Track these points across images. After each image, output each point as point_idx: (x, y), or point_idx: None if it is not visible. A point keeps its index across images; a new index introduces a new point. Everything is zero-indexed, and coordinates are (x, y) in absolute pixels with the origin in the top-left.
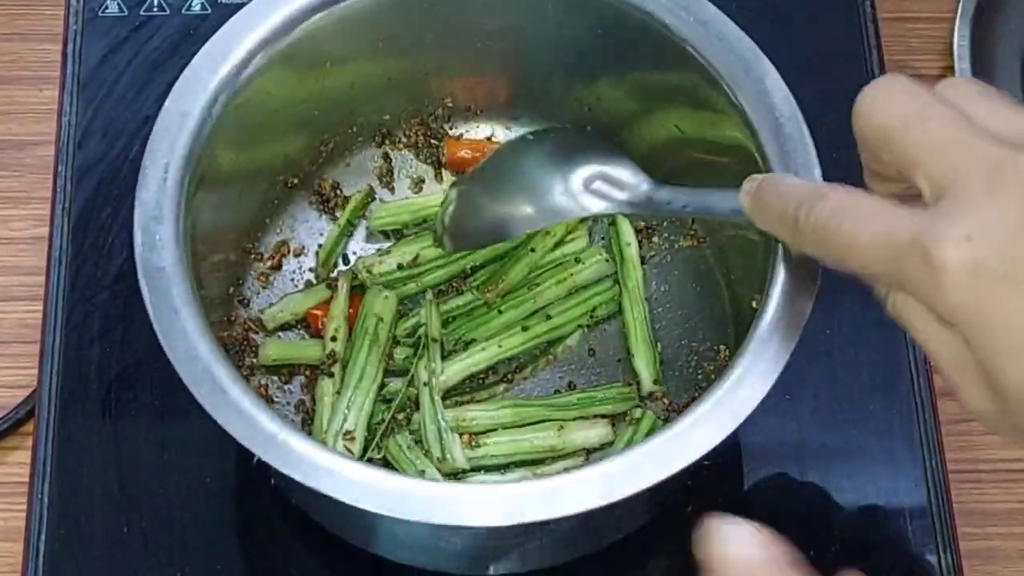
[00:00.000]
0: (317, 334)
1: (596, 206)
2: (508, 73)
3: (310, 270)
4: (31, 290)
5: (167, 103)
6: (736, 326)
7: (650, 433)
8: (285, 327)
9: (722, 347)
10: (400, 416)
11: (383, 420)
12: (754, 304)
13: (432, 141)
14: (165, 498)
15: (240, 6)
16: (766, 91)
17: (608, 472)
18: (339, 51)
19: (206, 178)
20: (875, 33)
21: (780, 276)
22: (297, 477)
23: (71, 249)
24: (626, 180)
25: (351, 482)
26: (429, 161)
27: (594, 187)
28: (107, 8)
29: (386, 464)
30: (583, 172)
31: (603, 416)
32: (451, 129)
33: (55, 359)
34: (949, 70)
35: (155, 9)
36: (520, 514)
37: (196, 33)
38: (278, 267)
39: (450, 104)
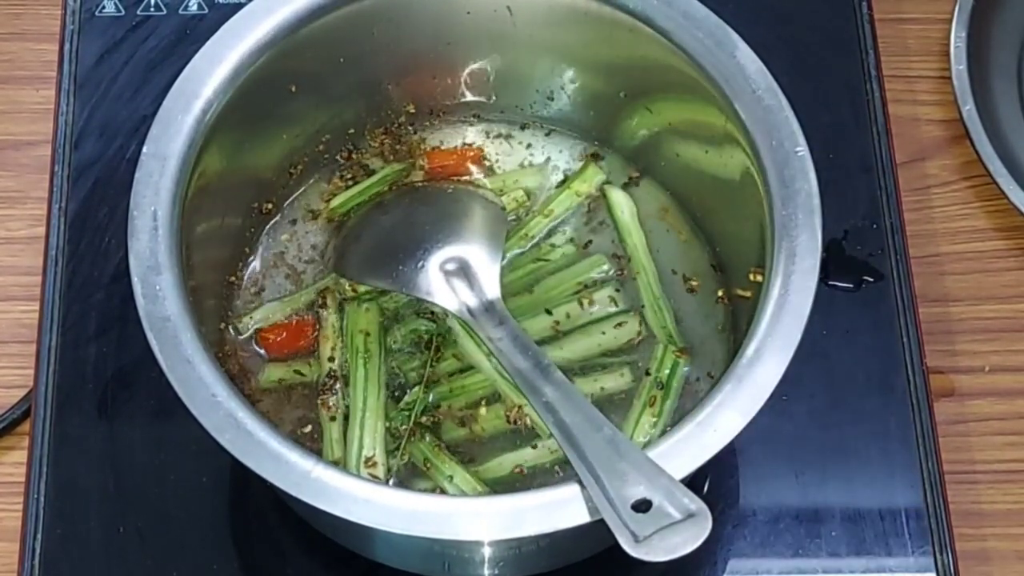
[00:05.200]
0: (310, 349)
1: (439, 295)
2: (469, 72)
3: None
4: (28, 290)
5: (145, 148)
6: (729, 286)
7: (674, 367)
8: (262, 332)
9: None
10: (423, 419)
11: (403, 425)
12: (752, 277)
13: (398, 148)
14: (161, 498)
15: (238, 6)
16: (739, 64)
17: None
18: (304, 72)
19: (191, 218)
20: (871, 34)
21: (782, 253)
22: (339, 512)
23: (67, 249)
24: (480, 280)
25: (395, 511)
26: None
27: (447, 269)
28: (104, 8)
29: (411, 469)
30: (447, 252)
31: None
32: (415, 133)
33: (51, 359)
34: (945, 71)
35: (152, 9)
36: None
37: (193, 33)
38: (262, 290)
39: (412, 111)
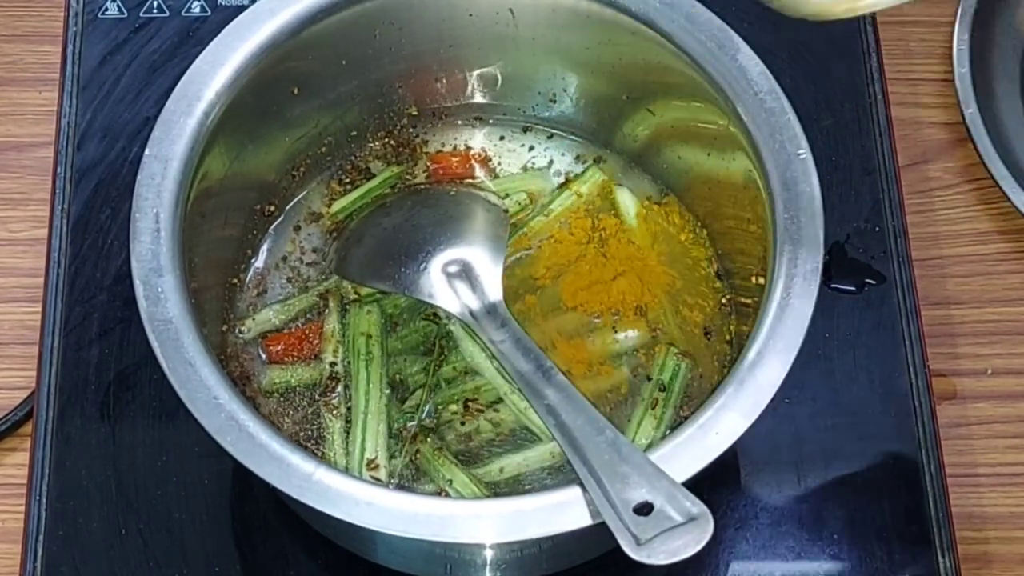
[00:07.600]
0: (313, 355)
1: (441, 298)
2: (472, 74)
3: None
4: (30, 292)
5: (147, 150)
6: (732, 289)
7: (676, 370)
8: (264, 335)
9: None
10: (426, 421)
11: (406, 427)
12: (754, 280)
13: (400, 150)
14: (163, 499)
15: (240, 8)
16: (741, 67)
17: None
18: (306, 74)
19: (193, 220)
20: (874, 37)
21: (784, 256)
22: (340, 515)
23: (70, 251)
24: (482, 282)
25: (396, 513)
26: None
27: (449, 271)
28: (107, 10)
29: (415, 469)
30: (449, 254)
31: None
32: (417, 136)
33: (54, 360)
34: (948, 74)
35: (155, 11)
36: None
37: (196, 35)
38: (264, 292)
39: (414, 113)
